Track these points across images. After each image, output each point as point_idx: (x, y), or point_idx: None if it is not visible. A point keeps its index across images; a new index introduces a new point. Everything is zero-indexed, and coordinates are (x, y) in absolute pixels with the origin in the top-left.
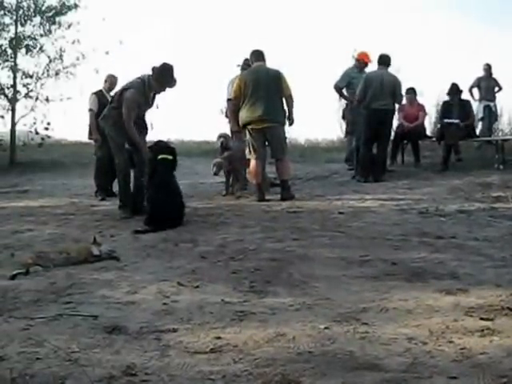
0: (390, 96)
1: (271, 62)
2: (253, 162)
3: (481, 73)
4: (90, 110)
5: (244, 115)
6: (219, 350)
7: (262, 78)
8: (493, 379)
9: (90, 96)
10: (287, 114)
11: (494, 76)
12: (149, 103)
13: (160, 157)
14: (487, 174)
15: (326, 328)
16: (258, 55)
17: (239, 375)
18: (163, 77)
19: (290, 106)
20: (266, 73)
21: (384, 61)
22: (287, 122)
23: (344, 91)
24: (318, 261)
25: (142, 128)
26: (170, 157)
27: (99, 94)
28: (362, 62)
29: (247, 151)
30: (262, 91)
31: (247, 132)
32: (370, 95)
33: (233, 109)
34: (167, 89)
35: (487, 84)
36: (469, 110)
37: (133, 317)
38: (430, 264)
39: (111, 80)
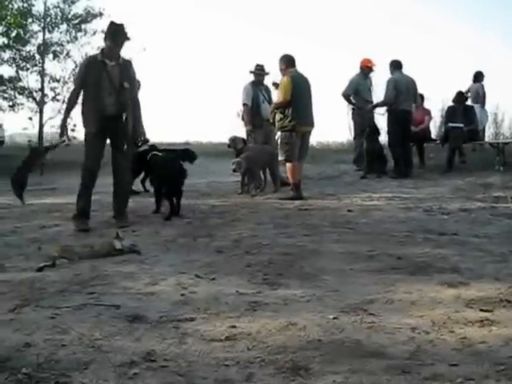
0: (411, 98)
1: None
2: (293, 163)
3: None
4: None
5: (297, 118)
6: (234, 338)
7: (305, 84)
8: (491, 366)
9: None
10: None
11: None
12: (106, 73)
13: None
14: (488, 175)
15: (334, 318)
16: (292, 61)
17: (252, 362)
18: (115, 34)
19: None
20: (303, 78)
21: (400, 65)
22: None
23: (351, 98)
24: (327, 255)
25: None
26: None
27: None
28: (365, 68)
29: (286, 153)
30: (306, 96)
31: (294, 134)
32: (400, 98)
33: (248, 112)
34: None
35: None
36: (472, 115)
37: (153, 306)
38: (433, 259)
39: None
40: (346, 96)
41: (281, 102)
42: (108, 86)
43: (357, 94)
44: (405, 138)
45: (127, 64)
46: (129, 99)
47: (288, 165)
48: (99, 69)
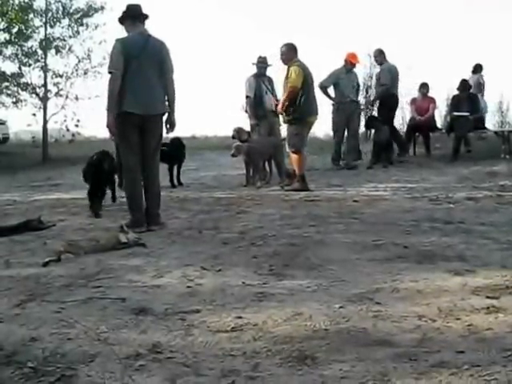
0: (398, 84)
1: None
2: (301, 154)
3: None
4: None
5: (308, 109)
6: (240, 329)
7: (311, 74)
8: (497, 352)
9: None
10: None
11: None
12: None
13: None
14: (494, 163)
15: (340, 307)
16: (296, 50)
17: (259, 352)
18: (134, 14)
19: None
20: (308, 68)
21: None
22: None
23: (331, 91)
24: (333, 245)
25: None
26: None
27: None
28: (349, 63)
29: (295, 144)
30: (312, 86)
31: (303, 125)
32: (394, 84)
33: (251, 104)
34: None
35: None
36: (477, 104)
37: (158, 299)
38: (440, 247)
39: None
40: (323, 88)
41: (292, 90)
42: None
43: (336, 87)
44: (392, 120)
45: None
46: None
47: (295, 156)
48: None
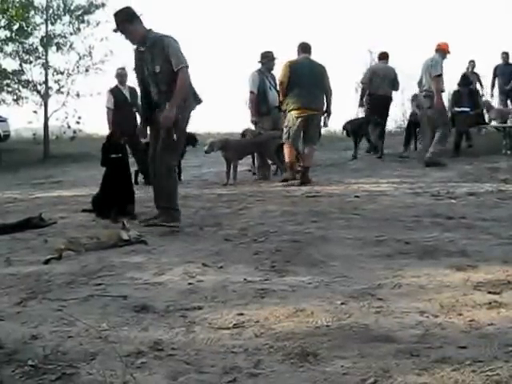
0: None
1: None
2: (287, 147)
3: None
4: (107, 108)
5: (291, 101)
6: (242, 326)
7: (306, 69)
8: (500, 348)
9: (106, 93)
10: (326, 105)
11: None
12: (141, 61)
13: (112, 156)
14: (495, 159)
15: (342, 303)
16: (304, 47)
17: (260, 348)
18: (130, 17)
19: (330, 99)
20: (310, 64)
21: None
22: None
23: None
24: (335, 241)
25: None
26: (120, 155)
27: (115, 91)
28: (445, 51)
29: (284, 135)
30: (306, 81)
31: (292, 117)
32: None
33: (253, 100)
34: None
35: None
36: (478, 99)
37: (160, 296)
38: (441, 243)
39: (117, 73)
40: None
41: (279, 85)
42: (147, 75)
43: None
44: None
45: (157, 42)
46: (170, 83)
47: (284, 146)
48: (136, 57)
